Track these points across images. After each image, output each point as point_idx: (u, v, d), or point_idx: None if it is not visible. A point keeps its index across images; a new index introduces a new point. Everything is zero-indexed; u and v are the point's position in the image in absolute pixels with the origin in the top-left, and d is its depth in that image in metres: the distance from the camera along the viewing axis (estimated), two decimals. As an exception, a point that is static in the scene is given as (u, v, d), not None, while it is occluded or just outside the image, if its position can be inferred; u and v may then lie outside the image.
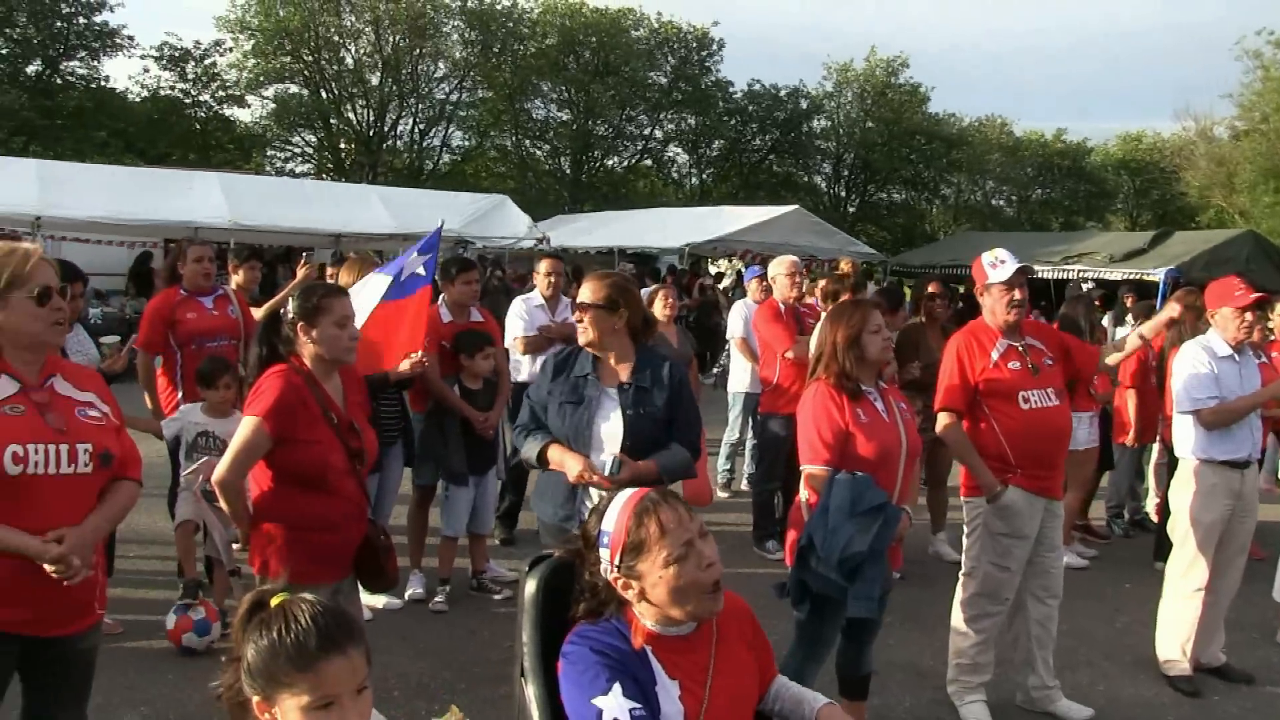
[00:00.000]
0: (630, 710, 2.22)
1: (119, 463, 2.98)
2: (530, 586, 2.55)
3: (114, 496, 2.99)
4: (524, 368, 7.06)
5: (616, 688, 2.24)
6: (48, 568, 2.73)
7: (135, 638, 5.30)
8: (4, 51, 30.75)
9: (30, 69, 31.49)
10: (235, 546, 4.92)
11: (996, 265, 4.64)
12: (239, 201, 16.64)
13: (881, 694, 4.90)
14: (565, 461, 3.82)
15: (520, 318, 7.12)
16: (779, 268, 7.54)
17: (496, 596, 6.20)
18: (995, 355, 4.61)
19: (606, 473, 3.74)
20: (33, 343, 2.86)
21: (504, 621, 5.78)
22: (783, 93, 40.51)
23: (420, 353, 5.60)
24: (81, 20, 31.33)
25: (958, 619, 4.82)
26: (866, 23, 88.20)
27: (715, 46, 39.94)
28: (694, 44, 39.76)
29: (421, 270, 5.60)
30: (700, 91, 39.67)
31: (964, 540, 4.81)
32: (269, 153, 37.69)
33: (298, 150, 38.12)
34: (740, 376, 8.86)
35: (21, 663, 2.91)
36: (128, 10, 57.74)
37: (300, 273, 6.89)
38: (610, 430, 3.88)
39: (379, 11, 35.11)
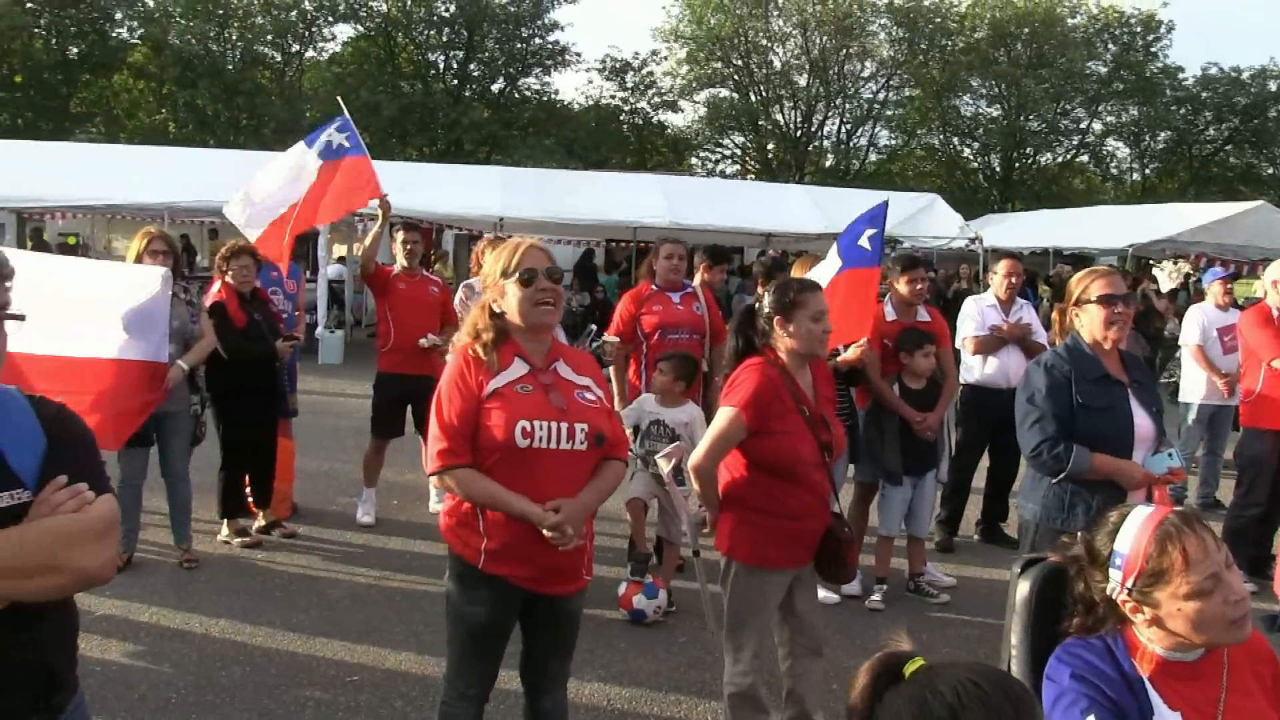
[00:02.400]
0: None
1: (610, 444, 3.23)
2: (1023, 589, 2.46)
3: (604, 474, 3.23)
4: (975, 369, 6.99)
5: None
6: (546, 533, 3.01)
7: (591, 606, 5.67)
8: (476, 74, 34.78)
9: (494, 87, 35.24)
10: (703, 531, 5.22)
11: None
12: (678, 202, 17.51)
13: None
14: (1123, 470, 3.83)
15: (972, 318, 7.04)
16: None
17: (933, 600, 6.12)
18: None
19: (1162, 470, 3.80)
20: (525, 324, 3.15)
21: (940, 626, 5.72)
22: (1245, 75, 36.78)
23: (865, 340, 5.66)
24: (538, 40, 34.55)
25: None
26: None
27: (1163, 30, 37.07)
28: (1138, 28, 37.10)
29: (867, 245, 5.61)
30: (1144, 80, 36.97)
31: None
32: (701, 154, 39.44)
33: (726, 152, 39.57)
34: (1194, 387, 8.32)
35: (523, 614, 3.25)
36: (575, 28, 62.77)
37: None
38: (1144, 430, 3.88)
39: (806, 14, 35.78)
